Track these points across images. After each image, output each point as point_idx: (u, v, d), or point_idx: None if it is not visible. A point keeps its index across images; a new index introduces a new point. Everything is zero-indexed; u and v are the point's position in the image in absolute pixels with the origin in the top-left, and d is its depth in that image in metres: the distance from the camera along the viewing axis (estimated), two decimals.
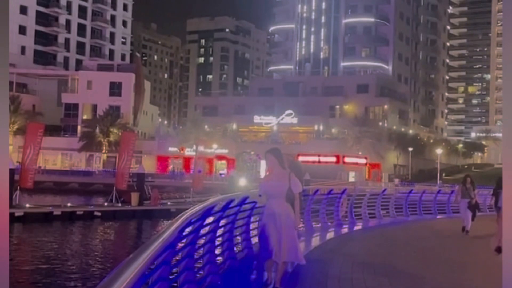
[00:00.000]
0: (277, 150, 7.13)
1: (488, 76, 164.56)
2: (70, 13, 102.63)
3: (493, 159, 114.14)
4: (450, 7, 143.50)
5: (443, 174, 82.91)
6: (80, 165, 79.41)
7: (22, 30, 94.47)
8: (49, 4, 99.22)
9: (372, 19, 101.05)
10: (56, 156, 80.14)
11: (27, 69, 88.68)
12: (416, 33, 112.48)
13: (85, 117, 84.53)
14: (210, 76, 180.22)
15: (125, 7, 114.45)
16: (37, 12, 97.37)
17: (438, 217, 23.43)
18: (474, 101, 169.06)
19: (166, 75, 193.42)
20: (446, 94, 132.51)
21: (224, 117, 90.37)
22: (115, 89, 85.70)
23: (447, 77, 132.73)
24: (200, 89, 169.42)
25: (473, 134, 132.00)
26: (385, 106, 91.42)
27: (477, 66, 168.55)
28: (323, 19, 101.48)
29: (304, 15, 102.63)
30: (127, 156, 39.50)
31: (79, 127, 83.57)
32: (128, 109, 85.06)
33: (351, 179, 74.57)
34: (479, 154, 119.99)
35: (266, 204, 6.92)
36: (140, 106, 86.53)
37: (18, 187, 34.05)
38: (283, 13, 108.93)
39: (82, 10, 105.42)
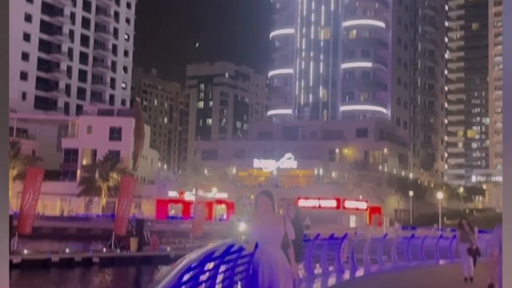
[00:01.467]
0: (270, 192, 6.84)
1: (487, 120, 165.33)
2: (71, 59, 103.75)
3: (494, 203, 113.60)
4: (447, 52, 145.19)
5: (445, 218, 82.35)
6: (79, 210, 78.91)
7: (24, 76, 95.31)
8: (51, 50, 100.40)
9: (370, 64, 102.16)
10: (55, 201, 79.68)
11: (27, 115, 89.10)
12: (414, 77, 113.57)
13: (84, 162, 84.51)
14: (210, 121, 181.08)
15: (126, 53, 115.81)
16: (39, 58, 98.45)
17: (440, 262, 23.13)
18: (474, 145, 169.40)
19: (166, 120, 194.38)
20: (446, 138, 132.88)
21: (224, 161, 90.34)
22: (115, 134, 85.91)
23: (446, 121, 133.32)
24: (200, 134, 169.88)
25: (473, 178, 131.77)
26: (385, 150, 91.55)
27: (476, 111, 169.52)
28: (321, 65, 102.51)
29: (303, 62, 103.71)
30: (126, 201, 39.26)
31: (78, 172, 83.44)
32: (128, 153, 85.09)
33: (352, 224, 74.01)
34: (480, 198, 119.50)
35: (258, 251, 6.43)
36: (140, 150, 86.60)
37: (16, 233, 33.70)
38: (282, 58, 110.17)
39: (83, 56, 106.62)
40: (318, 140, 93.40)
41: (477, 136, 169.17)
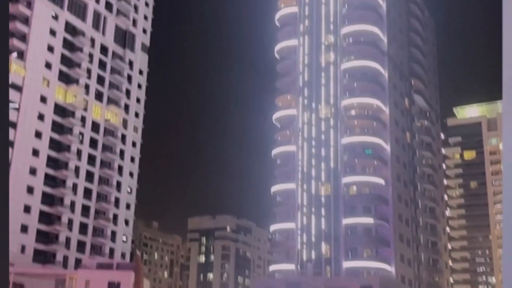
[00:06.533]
0: None
1: (493, 279, 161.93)
2: (73, 212, 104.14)
3: None
4: (448, 210, 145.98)
5: None
6: None
7: (24, 228, 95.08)
8: (53, 203, 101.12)
9: (371, 220, 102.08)
10: None
11: (25, 269, 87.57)
12: (417, 234, 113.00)
13: None
14: (211, 275, 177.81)
15: (128, 206, 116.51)
16: (41, 211, 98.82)
17: None
18: None
19: (166, 274, 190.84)
20: None
21: None
22: None
23: (451, 280, 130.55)
24: None
25: None
26: None
27: (481, 269, 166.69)
28: (323, 220, 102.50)
29: (305, 217, 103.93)
30: None
31: None
32: None
33: None
34: None
35: None
36: None
37: None
38: (283, 212, 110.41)
39: (85, 209, 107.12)
40: None
41: None
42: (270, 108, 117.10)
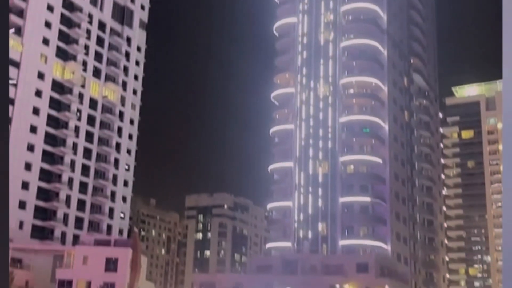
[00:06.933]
0: None
1: (488, 258, 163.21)
2: (71, 189, 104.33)
3: None
4: (445, 189, 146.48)
5: None
6: None
7: (22, 205, 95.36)
8: (51, 180, 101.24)
9: (368, 199, 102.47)
10: None
11: (23, 244, 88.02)
12: (413, 213, 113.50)
13: None
14: (208, 252, 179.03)
15: (125, 183, 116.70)
16: (39, 187, 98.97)
17: None
18: (476, 284, 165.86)
19: (163, 251, 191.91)
20: (448, 275, 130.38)
21: None
22: (111, 265, 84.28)
23: (447, 259, 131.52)
24: (198, 266, 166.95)
25: None
26: (386, 287, 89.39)
27: (476, 248, 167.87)
28: (320, 199, 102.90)
29: (302, 196, 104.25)
30: None
31: None
32: (123, 286, 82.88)
33: None
34: None
35: None
36: (135, 283, 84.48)
37: None
38: (280, 191, 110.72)
39: (83, 186, 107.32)
40: (319, 274, 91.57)
41: (479, 275, 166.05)
42: (268, 86, 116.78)
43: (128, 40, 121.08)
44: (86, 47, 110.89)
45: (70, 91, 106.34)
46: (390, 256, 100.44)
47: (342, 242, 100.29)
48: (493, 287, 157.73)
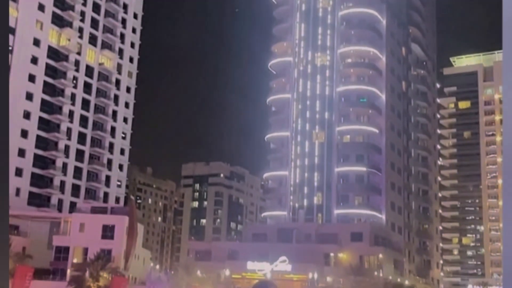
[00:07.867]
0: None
1: (482, 228, 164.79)
2: (67, 157, 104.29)
3: None
4: (440, 159, 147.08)
5: None
6: None
7: (19, 172, 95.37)
8: (47, 148, 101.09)
9: (364, 169, 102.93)
10: None
11: (20, 211, 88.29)
12: (408, 183, 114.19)
13: (75, 260, 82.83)
14: (204, 221, 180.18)
15: (122, 152, 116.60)
16: (35, 155, 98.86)
17: None
18: (469, 253, 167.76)
19: (159, 219, 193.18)
20: (441, 244, 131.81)
21: (217, 263, 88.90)
22: (107, 232, 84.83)
23: (440, 228, 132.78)
24: (194, 234, 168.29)
25: (469, 287, 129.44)
26: (380, 256, 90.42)
27: (470, 218, 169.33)
28: (316, 169, 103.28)
29: (298, 162, 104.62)
30: None
31: (68, 271, 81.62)
32: (120, 253, 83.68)
33: None
34: None
35: None
36: (132, 250, 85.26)
37: None
38: (277, 160, 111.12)
39: (80, 154, 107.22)
40: (313, 243, 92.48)
41: (472, 244, 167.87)
42: (266, 55, 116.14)
43: (125, 6, 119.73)
44: (82, 14, 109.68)
45: (66, 58, 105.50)
46: (385, 225, 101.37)
47: (337, 211, 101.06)
48: (486, 257, 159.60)
